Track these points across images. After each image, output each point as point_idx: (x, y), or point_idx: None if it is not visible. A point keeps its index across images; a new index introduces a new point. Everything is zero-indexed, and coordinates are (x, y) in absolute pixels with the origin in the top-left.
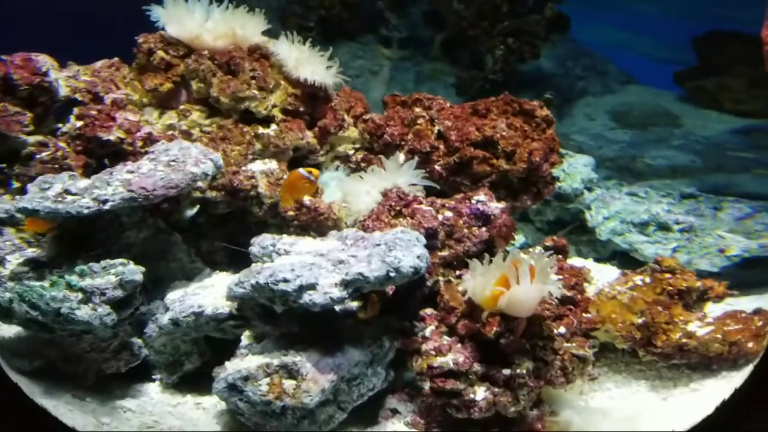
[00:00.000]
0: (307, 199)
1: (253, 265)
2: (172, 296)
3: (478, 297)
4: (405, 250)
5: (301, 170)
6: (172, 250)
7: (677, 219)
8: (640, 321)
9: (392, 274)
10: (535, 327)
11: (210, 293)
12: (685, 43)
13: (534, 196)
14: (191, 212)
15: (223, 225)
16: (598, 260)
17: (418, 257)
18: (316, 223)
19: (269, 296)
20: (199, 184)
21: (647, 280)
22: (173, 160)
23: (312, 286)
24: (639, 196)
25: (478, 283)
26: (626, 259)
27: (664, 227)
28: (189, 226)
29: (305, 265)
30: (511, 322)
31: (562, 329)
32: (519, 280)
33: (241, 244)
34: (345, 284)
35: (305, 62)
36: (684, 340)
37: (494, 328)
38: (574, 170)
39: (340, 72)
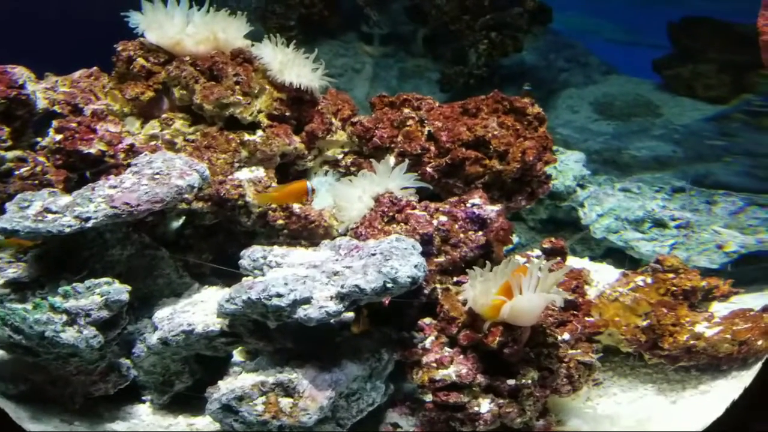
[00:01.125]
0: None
1: (244, 279)
2: (161, 314)
3: (479, 306)
4: (402, 260)
5: (309, 184)
6: (159, 266)
7: (673, 215)
8: (644, 323)
9: (389, 285)
10: (539, 335)
11: (200, 310)
12: (649, 27)
13: (528, 196)
14: (177, 224)
15: (211, 236)
16: (592, 259)
17: (416, 266)
18: (307, 231)
19: (262, 312)
20: (186, 196)
21: (649, 280)
22: (157, 173)
23: (307, 300)
24: (632, 191)
25: (478, 292)
26: (620, 257)
27: (660, 224)
28: (176, 239)
29: (299, 278)
30: (515, 331)
31: (566, 336)
32: (522, 289)
33: (230, 254)
34: (341, 297)
35: (290, 65)
36: (692, 342)
37: (497, 338)
38: (565, 167)
39: (326, 74)
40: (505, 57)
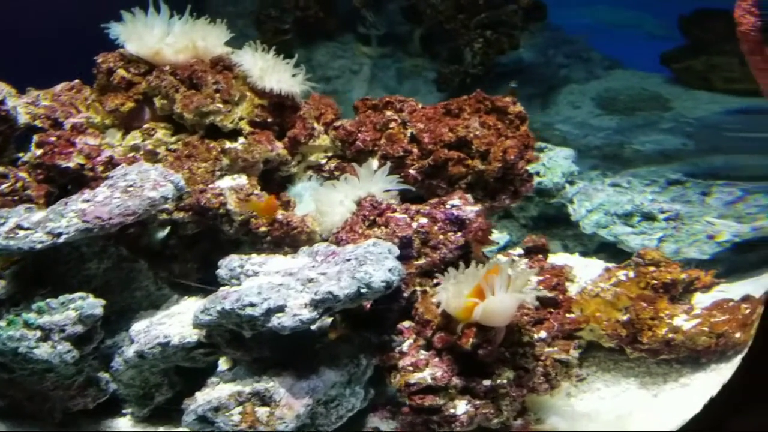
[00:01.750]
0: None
1: (220, 289)
2: (137, 327)
3: (452, 309)
4: (376, 264)
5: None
6: (137, 279)
7: (662, 208)
8: (624, 318)
9: (363, 291)
10: (515, 334)
11: (177, 321)
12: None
13: (512, 195)
14: (162, 234)
15: (195, 245)
16: (584, 254)
17: (390, 270)
18: (289, 238)
19: (237, 322)
20: (165, 206)
21: (631, 274)
22: (131, 186)
23: (280, 309)
24: (622, 186)
25: (451, 294)
26: (614, 251)
27: (648, 217)
28: (160, 249)
29: (273, 286)
30: (488, 332)
31: (542, 334)
32: (494, 290)
33: (215, 263)
34: (315, 304)
35: (270, 71)
36: (670, 335)
37: (471, 340)
38: (554, 164)
39: (309, 78)
40: (501, 55)
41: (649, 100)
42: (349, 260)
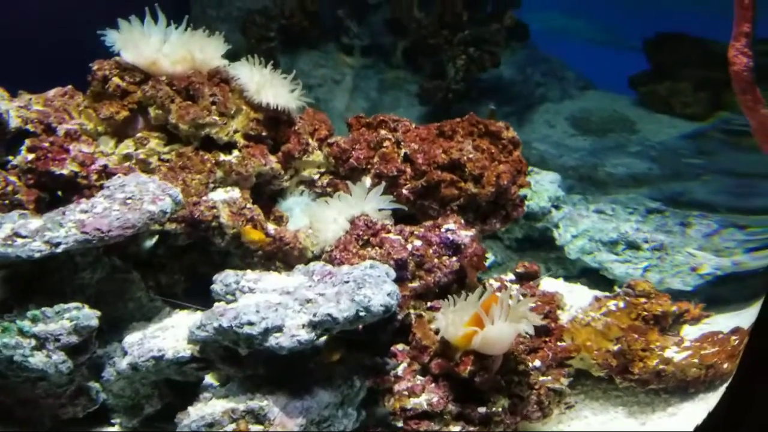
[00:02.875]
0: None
1: (216, 305)
2: (130, 339)
3: (451, 336)
4: (375, 288)
5: None
6: (130, 290)
7: (646, 237)
8: (615, 348)
9: (362, 314)
10: (510, 362)
11: (170, 335)
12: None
13: (503, 219)
14: (150, 243)
15: (184, 256)
16: (567, 278)
17: (389, 294)
18: (281, 253)
19: (233, 339)
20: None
21: (621, 305)
22: (129, 198)
23: (278, 329)
24: (606, 213)
25: (450, 321)
26: (596, 277)
27: (633, 246)
28: (148, 258)
29: (271, 305)
30: (486, 360)
31: (537, 363)
32: (493, 319)
33: (203, 275)
34: (313, 326)
35: (267, 86)
36: (661, 366)
37: (468, 367)
38: (540, 188)
39: (304, 94)
40: (483, 72)
41: (619, 122)
42: (347, 282)
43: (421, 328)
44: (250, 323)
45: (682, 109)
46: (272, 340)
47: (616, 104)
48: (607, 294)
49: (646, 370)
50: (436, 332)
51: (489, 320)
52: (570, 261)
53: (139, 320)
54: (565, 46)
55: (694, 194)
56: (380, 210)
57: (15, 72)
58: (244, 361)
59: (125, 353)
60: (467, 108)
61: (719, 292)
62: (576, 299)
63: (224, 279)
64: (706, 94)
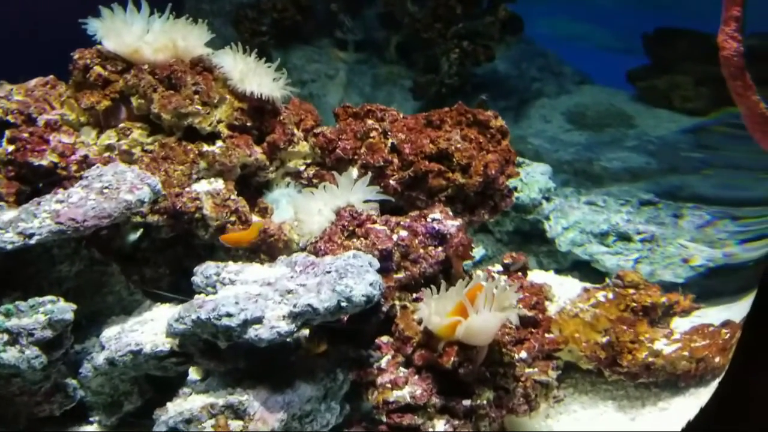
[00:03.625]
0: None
1: (196, 297)
2: (108, 333)
3: (434, 326)
4: (357, 278)
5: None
6: (109, 283)
7: (638, 229)
8: (604, 340)
9: (343, 304)
10: (496, 353)
11: (149, 329)
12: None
13: (491, 210)
14: (134, 236)
15: (168, 249)
16: (558, 271)
17: (371, 284)
18: (266, 245)
19: (212, 332)
20: (137, 210)
21: (610, 296)
22: (106, 187)
23: (258, 320)
24: (597, 205)
25: (433, 311)
26: (587, 270)
27: (624, 237)
28: (132, 252)
29: (250, 297)
30: (470, 351)
31: (523, 354)
32: (477, 309)
33: (188, 268)
34: (293, 317)
35: (251, 74)
36: (650, 359)
37: (452, 358)
38: (531, 179)
39: (289, 83)
40: (477, 66)
41: (615, 116)
42: (329, 272)
43: (404, 319)
44: (229, 315)
45: (682, 103)
46: (251, 332)
47: (613, 99)
48: (597, 285)
49: (635, 362)
50: (419, 322)
51: (473, 309)
52: (561, 253)
53: (118, 314)
54: (575, 51)
55: (694, 188)
56: (366, 201)
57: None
58: (224, 355)
59: (103, 348)
60: (462, 103)
61: (711, 284)
62: (566, 292)
63: (205, 271)
64: (708, 89)
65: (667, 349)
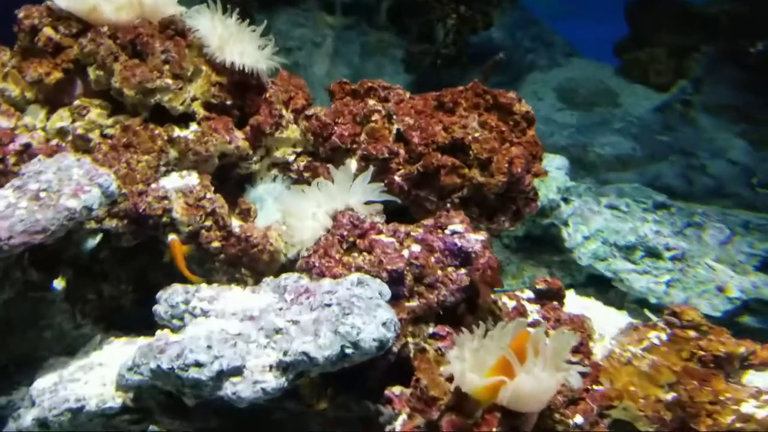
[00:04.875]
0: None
1: (157, 334)
2: (41, 384)
3: (469, 386)
4: (366, 315)
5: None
6: (47, 314)
7: (668, 244)
8: (669, 397)
9: (349, 351)
10: (545, 419)
11: (96, 377)
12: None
13: (512, 216)
14: (93, 243)
15: (131, 260)
16: (572, 286)
17: (384, 324)
18: (248, 257)
19: (177, 385)
20: (91, 216)
21: (664, 337)
22: (44, 189)
23: (237, 371)
24: (620, 210)
25: (469, 366)
26: (604, 286)
27: (653, 253)
28: (89, 263)
29: (227, 338)
30: (516, 419)
31: (578, 419)
32: (526, 365)
33: (154, 283)
34: (284, 368)
35: (232, 41)
36: (739, 425)
37: (493, 429)
38: (548, 176)
39: (277, 52)
40: (474, 34)
41: (603, 94)
42: (329, 305)
43: (427, 371)
44: (198, 364)
45: (655, 78)
46: (228, 388)
47: (600, 73)
48: (646, 323)
49: (718, 428)
50: (449, 379)
51: (521, 366)
52: (576, 266)
53: (58, 354)
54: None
55: (666, 178)
56: (368, 203)
57: None
58: (192, 413)
59: (33, 403)
60: (457, 75)
61: (747, 322)
62: (598, 322)
63: (170, 298)
64: (674, 61)
65: (761, 412)
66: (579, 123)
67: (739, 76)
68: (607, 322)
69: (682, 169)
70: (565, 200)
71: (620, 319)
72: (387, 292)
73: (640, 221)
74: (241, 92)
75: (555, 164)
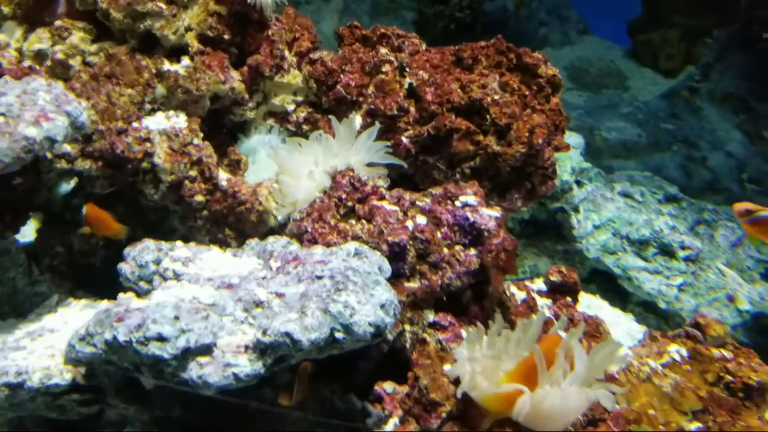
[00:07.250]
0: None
1: (120, 297)
2: None
3: (479, 392)
4: (362, 293)
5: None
6: (2, 265)
7: (683, 242)
8: (693, 428)
9: (339, 336)
10: None
11: (42, 345)
12: None
13: (526, 194)
14: (67, 188)
15: (108, 209)
16: None
17: (383, 306)
18: (234, 216)
19: (134, 361)
20: (56, 150)
21: (684, 353)
22: (1, 113)
23: (206, 350)
24: (634, 198)
25: (480, 370)
26: (607, 282)
27: (666, 251)
28: (61, 210)
29: (198, 308)
30: None
31: None
32: (551, 376)
33: (130, 237)
34: (261, 350)
35: None
36: None
37: None
38: (561, 155)
39: None
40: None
41: (613, 76)
42: (320, 278)
43: (427, 369)
44: (161, 338)
45: (665, 62)
46: (193, 370)
47: (612, 54)
48: (666, 334)
49: None
50: (454, 382)
51: (547, 377)
52: (580, 257)
53: (7, 315)
54: None
55: (667, 170)
56: (371, 164)
57: None
58: (151, 396)
59: None
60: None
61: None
62: (610, 325)
63: (139, 255)
64: (686, 45)
65: None
66: (587, 105)
67: (747, 63)
68: (612, 325)
69: (683, 160)
70: (579, 183)
71: (627, 323)
72: (387, 268)
73: (655, 213)
74: (240, 27)
75: (571, 142)
